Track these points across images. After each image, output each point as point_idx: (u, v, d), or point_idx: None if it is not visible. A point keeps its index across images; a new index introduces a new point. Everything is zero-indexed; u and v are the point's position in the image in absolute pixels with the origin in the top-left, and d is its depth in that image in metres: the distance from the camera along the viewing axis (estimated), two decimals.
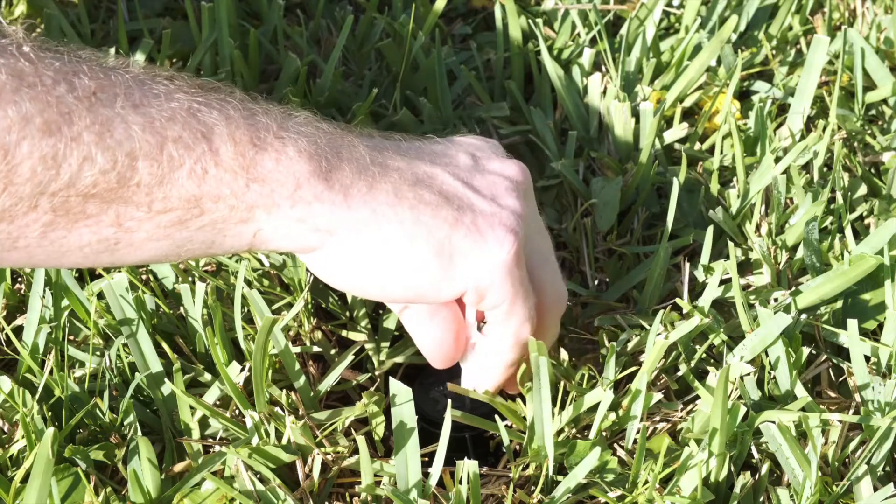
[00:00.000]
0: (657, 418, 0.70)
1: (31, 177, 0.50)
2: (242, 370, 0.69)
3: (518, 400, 0.68)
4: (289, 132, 0.57)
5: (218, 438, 0.68)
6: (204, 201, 0.55)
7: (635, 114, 0.86)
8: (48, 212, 0.52)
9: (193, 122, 0.54)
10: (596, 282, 0.81)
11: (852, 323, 0.68)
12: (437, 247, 0.59)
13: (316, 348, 0.74)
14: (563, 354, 0.70)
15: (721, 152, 0.85)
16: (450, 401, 0.65)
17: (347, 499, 0.66)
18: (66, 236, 0.53)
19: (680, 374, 0.72)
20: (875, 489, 0.64)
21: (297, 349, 0.73)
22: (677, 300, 0.75)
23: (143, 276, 0.76)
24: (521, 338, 0.64)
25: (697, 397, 0.71)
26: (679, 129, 0.88)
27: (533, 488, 0.66)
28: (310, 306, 0.75)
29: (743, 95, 0.95)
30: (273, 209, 0.57)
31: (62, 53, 0.53)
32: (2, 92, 0.49)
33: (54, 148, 0.50)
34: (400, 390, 0.63)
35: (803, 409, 0.66)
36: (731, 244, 0.74)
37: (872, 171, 0.86)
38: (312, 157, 0.57)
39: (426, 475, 0.63)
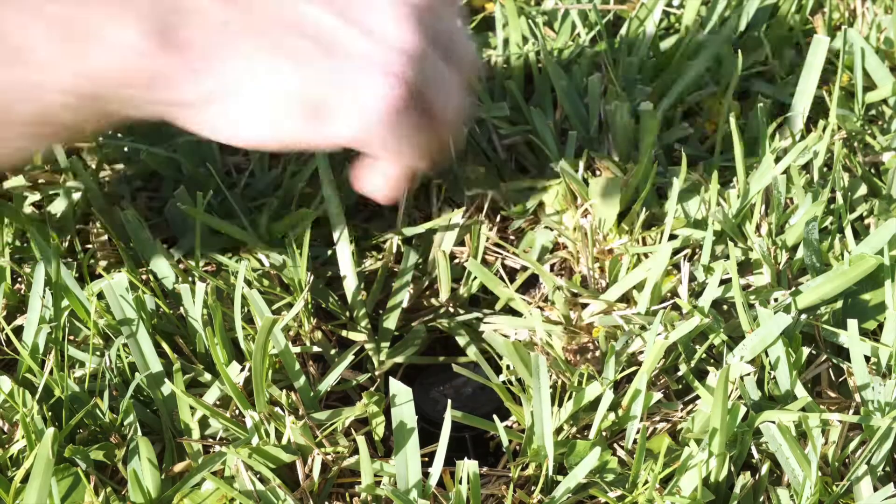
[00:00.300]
0: (657, 418, 0.70)
1: None
2: (242, 370, 0.69)
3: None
4: (127, 11, 0.52)
5: (218, 438, 0.68)
6: (51, 117, 0.53)
7: (635, 114, 0.86)
8: None
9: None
10: (596, 282, 0.81)
11: (852, 323, 0.68)
12: (300, 105, 0.53)
13: (316, 348, 0.74)
14: (560, 351, 0.70)
15: (721, 152, 0.85)
16: (450, 401, 0.65)
17: (347, 499, 0.66)
18: None
19: (680, 374, 0.72)
20: (875, 489, 0.64)
21: (297, 349, 0.73)
22: (677, 300, 0.75)
23: (143, 276, 0.76)
24: (413, 169, 0.59)
25: (697, 397, 0.71)
26: (679, 129, 0.87)
27: (533, 488, 0.66)
28: (310, 306, 0.75)
29: (743, 95, 0.95)
30: (123, 101, 0.54)
31: None
32: None
33: None
34: (400, 390, 0.63)
35: (803, 409, 0.66)
36: (731, 244, 0.74)
37: (872, 171, 0.86)
38: (151, 37, 0.52)
39: (426, 475, 0.63)
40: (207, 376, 0.71)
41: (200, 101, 0.54)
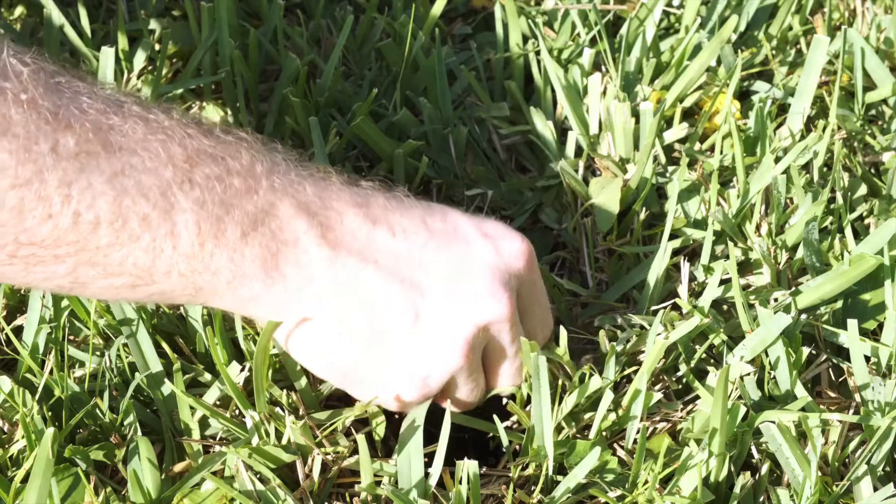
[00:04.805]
0: (657, 418, 0.70)
1: None
2: (242, 370, 0.69)
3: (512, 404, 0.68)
4: (257, 231, 0.59)
5: (218, 438, 0.68)
6: (155, 274, 0.57)
7: (635, 114, 0.86)
8: (4, 253, 0.54)
9: (165, 203, 0.56)
10: (596, 282, 0.81)
11: (852, 323, 0.68)
12: (337, 376, 0.64)
13: None
14: (561, 349, 0.69)
15: (721, 152, 0.85)
16: (449, 401, 0.65)
17: (347, 499, 0.66)
18: (24, 276, 0.56)
19: (680, 374, 0.72)
20: (875, 489, 0.64)
21: None
22: (677, 300, 0.75)
23: None
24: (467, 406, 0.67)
25: (697, 397, 0.71)
26: (679, 129, 0.87)
27: (533, 488, 0.66)
28: None
29: (743, 95, 0.95)
30: (217, 293, 0.60)
31: (63, 100, 0.54)
32: None
33: (20, 201, 0.52)
34: None
35: (803, 409, 0.66)
36: (730, 244, 0.74)
37: (872, 171, 0.86)
38: (266, 262, 0.59)
39: (426, 475, 0.63)
40: (207, 376, 0.71)
41: (287, 324, 0.62)
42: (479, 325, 0.62)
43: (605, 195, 0.81)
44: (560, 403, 0.67)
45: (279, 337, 0.63)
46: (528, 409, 0.67)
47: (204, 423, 0.68)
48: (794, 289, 0.74)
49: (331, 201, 0.61)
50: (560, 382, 0.69)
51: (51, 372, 0.69)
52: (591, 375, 0.68)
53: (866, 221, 0.81)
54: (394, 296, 0.61)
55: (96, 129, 0.54)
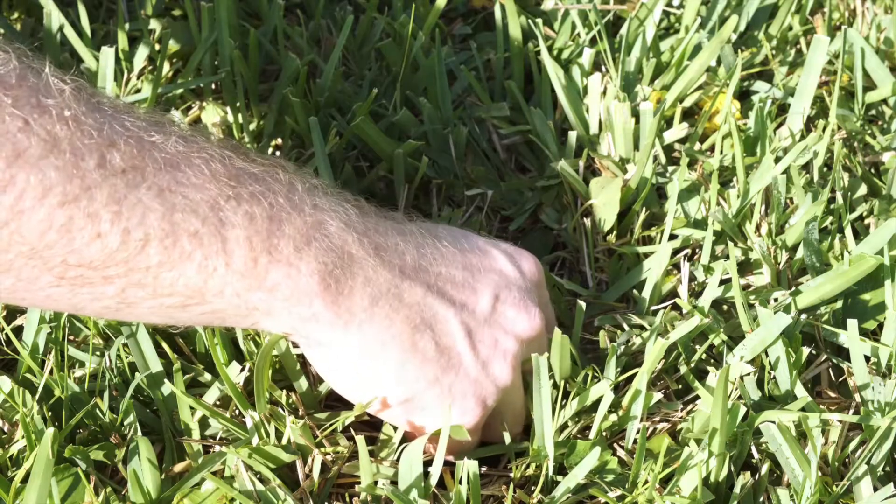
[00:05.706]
0: (657, 418, 0.70)
1: (38, 240, 0.51)
2: (242, 370, 0.69)
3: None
4: (310, 247, 0.57)
5: (218, 438, 0.68)
6: (207, 294, 0.56)
7: (635, 114, 0.86)
8: (52, 275, 0.53)
9: (214, 218, 0.55)
10: (596, 282, 0.81)
11: (852, 323, 0.68)
12: (407, 395, 0.62)
13: None
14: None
15: (721, 152, 0.85)
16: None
17: (347, 499, 0.66)
18: (70, 298, 0.55)
19: (680, 374, 0.72)
20: (875, 489, 0.64)
21: (298, 350, 0.73)
22: (677, 300, 0.75)
23: None
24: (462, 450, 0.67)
25: (697, 397, 0.71)
26: (679, 129, 0.87)
27: (533, 488, 0.66)
28: None
29: (743, 95, 0.95)
30: (273, 314, 0.58)
31: (106, 118, 0.53)
32: (27, 157, 0.50)
33: (69, 220, 0.51)
34: None
35: (803, 409, 0.66)
36: (730, 244, 0.74)
37: (872, 171, 0.86)
38: (325, 279, 0.58)
39: (426, 475, 0.63)
40: (207, 376, 0.71)
41: (334, 347, 0.61)
42: (521, 338, 0.64)
43: (605, 195, 0.81)
44: (563, 407, 0.67)
45: (320, 365, 0.63)
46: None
47: (204, 423, 0.68)
48: (794, 289, 0.74)
49: (370, 223, 0.62)
50: (561, 384, 0.69)
51: (51, 372, 0.69)
52: (593, 379, 0.68)
53: (866, 221, 0.81)
54: (450, 320, 0.62)
55: (140, 146, 0.54)
